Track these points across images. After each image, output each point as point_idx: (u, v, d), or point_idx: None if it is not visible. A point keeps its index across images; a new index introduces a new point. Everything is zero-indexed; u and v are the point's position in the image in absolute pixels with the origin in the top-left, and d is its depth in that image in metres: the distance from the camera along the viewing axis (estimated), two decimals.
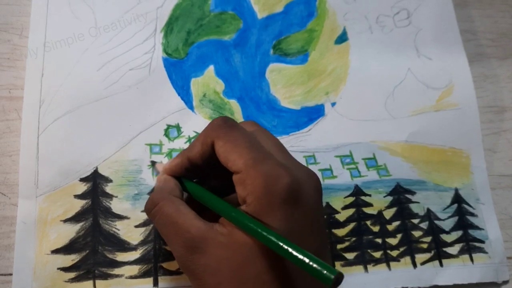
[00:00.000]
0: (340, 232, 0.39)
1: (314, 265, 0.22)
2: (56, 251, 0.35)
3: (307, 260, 0.23)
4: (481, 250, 0.40)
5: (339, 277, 0.22)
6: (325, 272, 0.22)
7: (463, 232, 0.40)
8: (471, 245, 0.40)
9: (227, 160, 0.28)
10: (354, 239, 0.39)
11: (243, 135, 0.29)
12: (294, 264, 0.23)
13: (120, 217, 0.36)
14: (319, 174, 0.39)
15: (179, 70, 0.41)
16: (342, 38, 0.44)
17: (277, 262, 0.26)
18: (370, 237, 0.39)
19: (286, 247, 0.24)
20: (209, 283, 0.27)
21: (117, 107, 0.39)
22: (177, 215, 0.29)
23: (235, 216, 0.27)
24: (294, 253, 0.23)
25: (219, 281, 0.27)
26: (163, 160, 0.38)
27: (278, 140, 0.31)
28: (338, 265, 0.38)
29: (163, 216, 0.29)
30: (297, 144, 0.40)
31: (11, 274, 0.34)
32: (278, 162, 0.28)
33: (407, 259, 0.39)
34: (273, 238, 0.24)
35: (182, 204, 0.29)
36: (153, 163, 0.37)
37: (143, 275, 0.35)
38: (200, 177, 0.33)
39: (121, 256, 0.35)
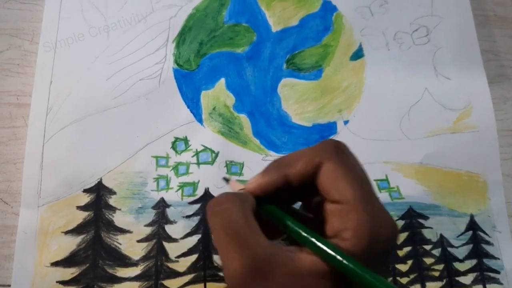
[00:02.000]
0: None
1: None
2: (55, 264, 0.34)
3: None
4: (496, 281, 0.38)
5: None
6: None
7: (477, 261, 0.38)
8: (485, 275, 0.38)
9: (332, 187, 0.25)
10: None
11: (356, 165, 0.26)
12: None
13: (123, 231, 0.35)
14: None
15: (190, 82, 0.40)
16: (358, 54, 0.43)
17: None
18: None
19: None
20: None
21: (125, 117, 0.38)
22: (244, 225, 0.24)
23: (329, 251, 0.24)
24: None
25: None
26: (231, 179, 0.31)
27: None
28: None
29: (228, 219, 0.25)
30: None
31: (9, 286, 0.33)
32: (382, 205, 0.25)
33: (418, 287, 0.37)
34: (373, 280, 0.22)
35: (251, 216, 0.25)
36: (227, 180, 0.31)
37: None
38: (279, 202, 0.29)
39: (121, 272, 0.34)
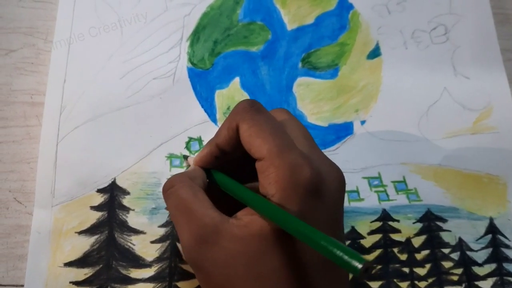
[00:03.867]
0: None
1: (340, 253, 0.20)
2: (69, 264, 0.34)
3: (332, 247, 0.21)
4: None
5: (369, 266, 0.20)
6: (352, 260, 0.20)
7: (497, 265, 0.38)
8: (505, 280, 0.37)
9: (250, 146, 0.27)
10: (379, 267, 0.36)
11: (268, 121, 0.27)
12: (314, 258, 0.22)
13: (136, 232, 0.35)
14: (345, 196, 0.37)
15: (204, 81, 0.39)
16: (375, 53, 0.42)
17: (294, 255, 0.25)
18: (397, 265, 0.37)
19: (309, 233, 0.22)
20: (217, 279, 0.26)
21: (139, 117, 0.37)
22: (192, 200, 0.27)
23: (259, 202, 0.25)
24: (320, 240, 0.21)
25: (228, 276, 0.25)
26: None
27: (307, 130, 0.30)
28: None
29: (178, 199, 0.28)
30: None
31: (22, 286, 0.33)
32: (302, 152, 0.26)
33: None
34: (297, 224, 0.23)
35: (200, 191, 0.28)
36: (185, 157, 0.36)
37: None
38: (232, 168, 0.31)
39: (135, 273, 0.34)
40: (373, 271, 0.36)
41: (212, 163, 0.30)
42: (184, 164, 0.36)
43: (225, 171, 0.30)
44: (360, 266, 0.19)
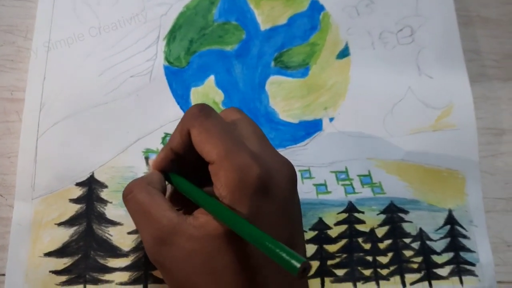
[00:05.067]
0: (331, 248, 0.39)
1: (280, 253, 0.22)
2: (48, 254, 0.35)
3: (273, 248, 0.23)
4: (472, 273, 0.40)
5: (306, 267, 0.21)
6: (291, 260, 0.22)
7: (454, 254, 0.40)
8: (461, 267, 0.40)
9: (202, 150, 0.28)
10: (345, 255, 0.39)
11: (217, 124, 0.28)
12: (263, 254, 0.23)
13: (114, 223, 0.37)
14: (313, 189, 0.39)
15: (180, 79, 0.41)
16: (344, 53, 0.44)
17: (246, 253, 0.27)
18: (361, 254, 0.39)
19: (253, 234, 0.24)
20: (177, 276, 0.28)
21: (116, 113, 0.39)
22: (150, 204, 0.28)
23: (210, 205, 0.27)
24: (262, 241, 0.23)
25: (187, 274, 0.27)
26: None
27: (258, 128, 0.31)
28: (327, 281, 0.38)
29: (136, 203, 0.29)
30: (293, 158, 0.40)
31: (3, 275, 0.34)
32: (251, 152, 0.28)
33: (397, 278, 0.39)
34: (242, 226, 0.25)
35: (157, 194, 0.29)
36: (147, 159, 0.38)
37: (133, 282, 0.35)
38: (191, 171, 0.32)
39: (112, 262, 0.36)
40: (339, 260, 0.38)
41: (169, 166, 0.32)
42: (146, 166, 0.38)
43: (184, 174, 0.32)
44: (298, 265, 0.21)
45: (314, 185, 0.40)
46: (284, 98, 0.42)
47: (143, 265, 0.36)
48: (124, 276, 0.35)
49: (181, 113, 0.40)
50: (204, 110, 0.29)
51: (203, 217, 0.27)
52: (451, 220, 0.41)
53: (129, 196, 0.30)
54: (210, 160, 0.28)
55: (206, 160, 0.28)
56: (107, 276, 0.35)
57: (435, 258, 0.40)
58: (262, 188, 0.27)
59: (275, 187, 0.28)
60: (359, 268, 0.39)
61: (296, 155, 0.41)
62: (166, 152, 0.31)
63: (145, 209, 0.28)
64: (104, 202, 0.37)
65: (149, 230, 0.28)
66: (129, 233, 0.36)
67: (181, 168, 0.32)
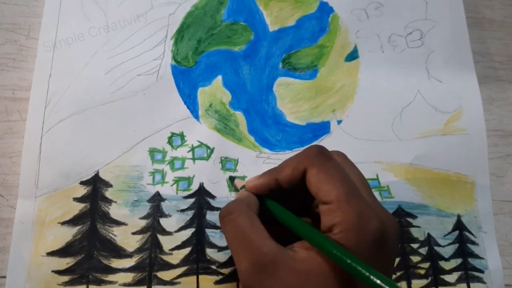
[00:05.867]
0: None
1: None
2: (51, 254, 0.35)
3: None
4: (480, 280, 0.39)
5: None
6: None
7: (462, 260, 0.40)
8: (469, 274, 0.39)
9: (318, 190, 0.28)
10: None
11: (337, 168, 0.29)
12: None
13: (118, 223, 0.36)
14: None
15: (187, 79, 0.40)
16: (353, 56, 0.43)
17: None
18: None
19: (378, 281, 0.24)
20: None
21: (122, 112, 0.39)
22: (250, 229, 0.28)
23: (322, 241, 0.27)
24: (381, 280, 0.24)
25: None
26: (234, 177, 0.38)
27: (363, 175, 0.32)
28: None
29: (236, 227, 0.29)
30: None
31: (4, 277, 0.34)
32: (368, 202, 0.28)
33: (403, 284, 0.38)
34: (359, 265, 0.25)
35: (257, 220, 0.29)
36: (232, 179, 0.37)
37: (137, 283, 0.35)
38: (277, 198, 0.33)
39: (116, 263, 0.35)
40: None
41: (266, 193, 0.32)
42: (231, 186, 0.38)
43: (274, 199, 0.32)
44: None
45: None
46: (291, 99, 0.42)
47: (148, 266, 0.35)
48: (128, 277, 0.35)
49: (188, 113, 0.40)
50: (325, 152, 0.30)
51: (304, 252, 0.27)
52: (459, 225, 0.40)
53: (228, 217, 0.30)
54: (327, 201, 0.28)
55: (320, 199, 0.28)
56: (110, 277, 0.35)
57: (443, 264, 0.39)
58: (378, 240, 0.27)
59: (389, 242, 0.28)
60: None
61: None
62: (270, 180, 0.31)
63: (245, 233, 0.28)
64: (109, 201, 0.36)
65: (247, 255, 0.28)
66: (133, 233, 0.36)
67: (272, 198, 0.32)
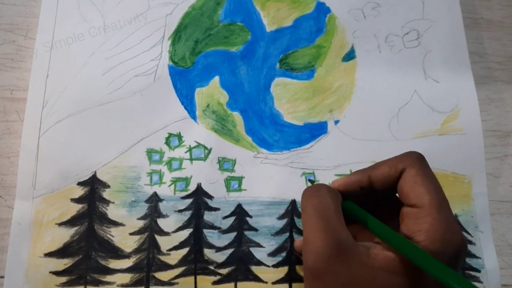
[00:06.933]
0: None
1: None
2: (49, 255, 0.35)
3: None
4: (476, 280, 0.39)
5: None
6: None
7: None
8: (466, 273, 0.39)
9: (411, 191, 0.28)
10: None
11: (433, 175, 0.30)
12: None
13: (116, 224, 0.36)
14: None
15: (184, 79, 0.40)
16: (350, 56, 0.44)
17: None
18: None
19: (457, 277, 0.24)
20: None
21: (120, 112, 0.39)
22: (334, 212, 0.29)
23: (404, 244, 0.27)
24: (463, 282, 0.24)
25: None
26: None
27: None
28: None
29: (322, 204, 0.29)
30: (297, 160, 0.40)
31: (3, 277, 0.34)
32: (453, 215, 0.29)
33: None
34: (444, 270, 0.25)
35: (339, 209, 0.30)
36: (312, 182, 0.37)
37: (135, 283, 0.35)
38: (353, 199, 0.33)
39: (113, 263, 0.35)
40: None
41: (352, 191, 0.32)
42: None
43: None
44: None
45: None
46: (289, 100, 0.42)
47: (146, 267, 0.35)
48: (126, 277, 0.35)
49: (185, 113, 0.40)
50: (423, 157, 0.30)
51: (380, 252, 0.27)
52: None
53: (316, 193, 0.30)
54: (418, 204, 0.28)
55: (409, 201, 0.28)
56: (108, 278, 0.35)
57: None
58: (458, 254, 0.28)
59: (462, 258, 0.28)
60: None
61: (301, 157, 0.40)
62: (363, 177, 0.31)
63: (329, 215, 0.28)
64: (106, 202, 0.36)
65: (324, 236, 0.27)
66: (131, 234, 0.36)
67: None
